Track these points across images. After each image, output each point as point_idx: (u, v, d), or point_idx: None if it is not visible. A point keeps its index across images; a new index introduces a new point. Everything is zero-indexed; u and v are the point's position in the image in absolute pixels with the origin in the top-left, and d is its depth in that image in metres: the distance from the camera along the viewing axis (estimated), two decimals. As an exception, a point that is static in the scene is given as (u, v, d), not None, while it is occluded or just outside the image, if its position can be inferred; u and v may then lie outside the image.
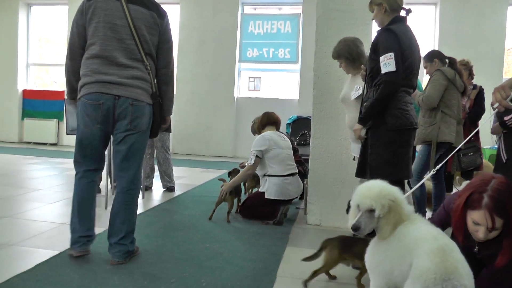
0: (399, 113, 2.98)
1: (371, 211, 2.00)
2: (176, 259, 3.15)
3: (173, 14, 11.09)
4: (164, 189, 5.80)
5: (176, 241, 3.59)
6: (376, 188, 2.05)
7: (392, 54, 2.91)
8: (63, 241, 3.44)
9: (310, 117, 9.60)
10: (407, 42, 3.02)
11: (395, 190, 2.07)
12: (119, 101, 2.84)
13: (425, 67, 4.44)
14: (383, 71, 2.95)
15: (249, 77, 11.00)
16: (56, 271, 2.84)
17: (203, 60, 10.78)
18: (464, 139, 4.28)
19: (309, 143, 8.92)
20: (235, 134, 10.79)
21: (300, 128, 9.87)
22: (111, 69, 2.83)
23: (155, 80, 3.03)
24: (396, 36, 2.96)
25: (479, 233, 2.01)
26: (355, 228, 2.01)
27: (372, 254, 2.10)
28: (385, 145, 3.00)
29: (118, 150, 2.95)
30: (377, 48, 3.02)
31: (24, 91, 12.02)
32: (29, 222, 3.94)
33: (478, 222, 1.99)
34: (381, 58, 2.96)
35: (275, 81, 11.02)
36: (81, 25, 2.90)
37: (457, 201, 2.08)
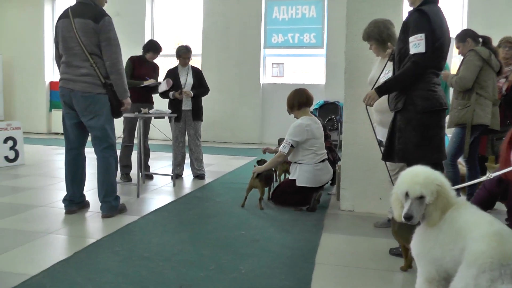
0: (428, 94, 2.89)
1: (421, 198, 1.94)
2: (212, 246, 3.13)
3: (197, 2, 11.03)
4: (194, 177, 5.80)
5: (211, 228, 3.59)
6: (423, 174, 1.98)
7: (423, 35, 2.81)
8: (98, 229, 3.48)
9: (337, 102, 9.66)
10: (438, 23, 2.91)
11: (439, 174, 2.00)
12: (73, 93, 3.73)
13: (458, 47, 4.29)
14: (411, 52, 2.86)
15: (272, 63, 10.84)
16: (93, 258, 2.86)
17: (228, 47, 10.71)
18: (500, 121, 4.13)
19: (336, 128, 8.73)
20: (262, 120, 10.73)
21: (327, 113, 9.78)
22: (68, 70, 3.76)
23: (105, 72, 3.75)
24: (427, 16, 2.85)
25: None
26: (408, 217, 1.94)
27: (420, 242, 2.02)
28: (415, 128, 2.91)
29: (89, 131, 3.86)
30: (407, 29, 2.92)
31: (51, 83, 12.18)
32: (62, 211, 3.97)
33: None
34: (411, 39, 2.86)
35: (299, 67, 10.85)
36: (56, 42, 3.90)
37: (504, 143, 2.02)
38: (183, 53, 5.66)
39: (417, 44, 2.82)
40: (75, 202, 3.98)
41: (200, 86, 5.76)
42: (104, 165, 3.85)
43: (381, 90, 3.04)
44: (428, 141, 2.91)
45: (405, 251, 2.72)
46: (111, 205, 3.87)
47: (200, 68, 6.02)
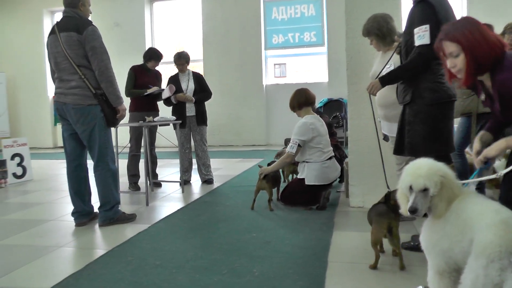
0: (436, 86, 2.87)
1: (425, 190, 1.92)
2: (224, 250, 3.12)
3: (196, 7, 11.06)
4: (203, 182, 5.80)
5: (222, 232, 3.58)
6: (425, 166, 1.96)
7: (427, 26, 2.79)
8: (109, 241, 3.48)
9: (341, 98, 9.63)
10: (443, 13, 2.88)
11: (443, 165, 1.99)
12: (65, 107, 3.79)
13: None
14: (416, 43, 2.84)
15: (274, 64, 10.85)
16: (107, 269, 2.86)
17: (229, 50, 10.73)
18: None
19: (342, 125, 8.72)
20: (266, 122, 10.72)
21: (331, 111, 9.76)
22: (61, 84, 3.83)
23: (96, 83, 3.76)
24: (433, 7, 2.83)
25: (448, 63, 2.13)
26: (413, 210, 1.93)
27: (428, 234, 2.00)
28: (423, 120, 2.88)
29: (84, 142, 3.87)
30: (413, 21, 2.89)
31: (54, 97, 12.21)
32: (73, 224, 3.97)
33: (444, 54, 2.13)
34: (415, 30, 2.84)
35: (301, 66, 10.83)
36: (49, 59, 3.95)
37: None
38: (176, 59, 5.71)
39: (422, 35, 2.80)
40: (83, 214, 3.98)
41: (202, 91, 5.77)
42: (98, 176, 3.86)
43: (384, 79, 3.03)
44: (437, 133, 2.88)
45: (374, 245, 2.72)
46: (106, 215, 3.87)
47: (201, 73, 6.02)
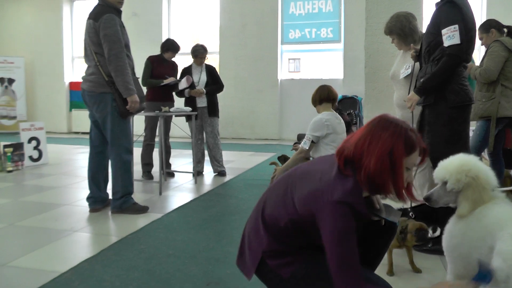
0: (460, 88, 2.86)
1: (446, 183, 1.91)
2: (237, 243, 3.08)
3: (214, 0, 11.04)
4: (215, 174, 5.83)
5: (235, 225, 3.60)
6: (457, 162, 1.94)
7: (456, 26, 2.78)
8: (122, 227, 3.52)
9: (355, 96, 9.58)
10: (469, 14, 2.88)
11: (480, 168, 1.92)
12: (84, 93, 3.87)
13: (481, 38, 4.21)
14: (446, 44, 2.81)
15: (289, 59, 10.81)
16: (120, 256, 2.90)
17: (245, 44, 10.71)
18: None
19: (355, 123, 8.73)
20: (280, 116, 10.71)
21: (346, 108, 9.71)
22: (84, 71, 3.90)
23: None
24: (459, 8, 2.82)
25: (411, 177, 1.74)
26: (427, 198, 1.94)
27: (449, 236, 1.97)
28: (445, 122, 2.87)
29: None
30: (438, 21, 2.87)
31: (70, 83, 12.35)
32: (87, 209, 4.03)
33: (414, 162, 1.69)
34: (444, 31, 2.82)
35: (316, 62, 10.78)
36: None
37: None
38: (201, 53, 5.65)
39: (451, 36, 2.78)
40: (98, 201, 4.02)
41: (214, 83, 5.76)
42: (112, 164, 3.89)
43: (421, 90, 2.95)
44: (456, 136, 2.87)
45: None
46: (115, 204, 3.90)
47: (214, 66, 6.01)
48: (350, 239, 1.58)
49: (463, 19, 2.80)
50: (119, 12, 3.84)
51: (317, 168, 1.74)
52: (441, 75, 2.85)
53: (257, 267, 1.80)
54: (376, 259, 1.98)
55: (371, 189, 1.64)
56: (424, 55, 3.01)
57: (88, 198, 4.03)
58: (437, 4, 2.97)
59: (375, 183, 1.61)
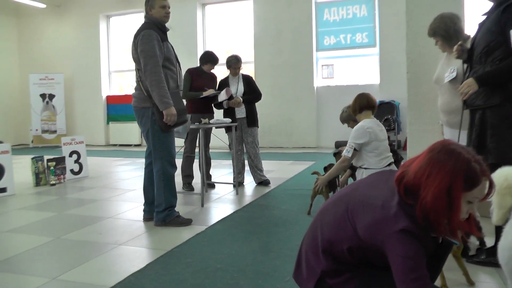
0: None
1: None
2: (285, 256, 3.05)
3: (247, 8, 11.07)
4: (257, 184, 5.77)
5: (281, 237, 3.52)
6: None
7: None
8: (167, 241, 3.49)
9: (393, 101, 9.37)
10: None
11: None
12: (133, 108, 3.98)
13: None
14: None
15: (322, 65, 10.70)
16: (167, 270, 2.86)
17: (281, 52, 10.68)
18: None
19: (393, 128, 8.50)
20: (317, 124, 10.59)
21: (383, 114, 9.50)
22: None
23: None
24: None
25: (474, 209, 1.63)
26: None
27: (502, 248, 1.87)
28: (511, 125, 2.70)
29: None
30: (502, 21, 2.72)
31: (107, 97, 12.63)
32: (131, 222, 4.04)
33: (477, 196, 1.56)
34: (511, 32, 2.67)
35: (350, 67, 10.63)
36: None
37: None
38: (234, 63, 5.66)
39: None
40: (148, 211, 4.14)
41: (252, 92, 5.73)
42: (155, 176, 3.94)
43: (483, 81, 2.79)
44: None
45: None
46: (158, 216, 3.94)
47: (250, 75, 5.98)
48: (422, 263, 1.54)
49: None
50: (162, 27, 3.91)
51: (378, 194, 1.69)
52: (508, 73, 2.70)
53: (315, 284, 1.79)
54: (433, 275, 1.87)
55: (425, 223, 1.57)
56: (481, 55, 2.86)
57: (144, 210, 4.18)
58: (500, 3, 2.81)
59: (429, 219, 1.55)
